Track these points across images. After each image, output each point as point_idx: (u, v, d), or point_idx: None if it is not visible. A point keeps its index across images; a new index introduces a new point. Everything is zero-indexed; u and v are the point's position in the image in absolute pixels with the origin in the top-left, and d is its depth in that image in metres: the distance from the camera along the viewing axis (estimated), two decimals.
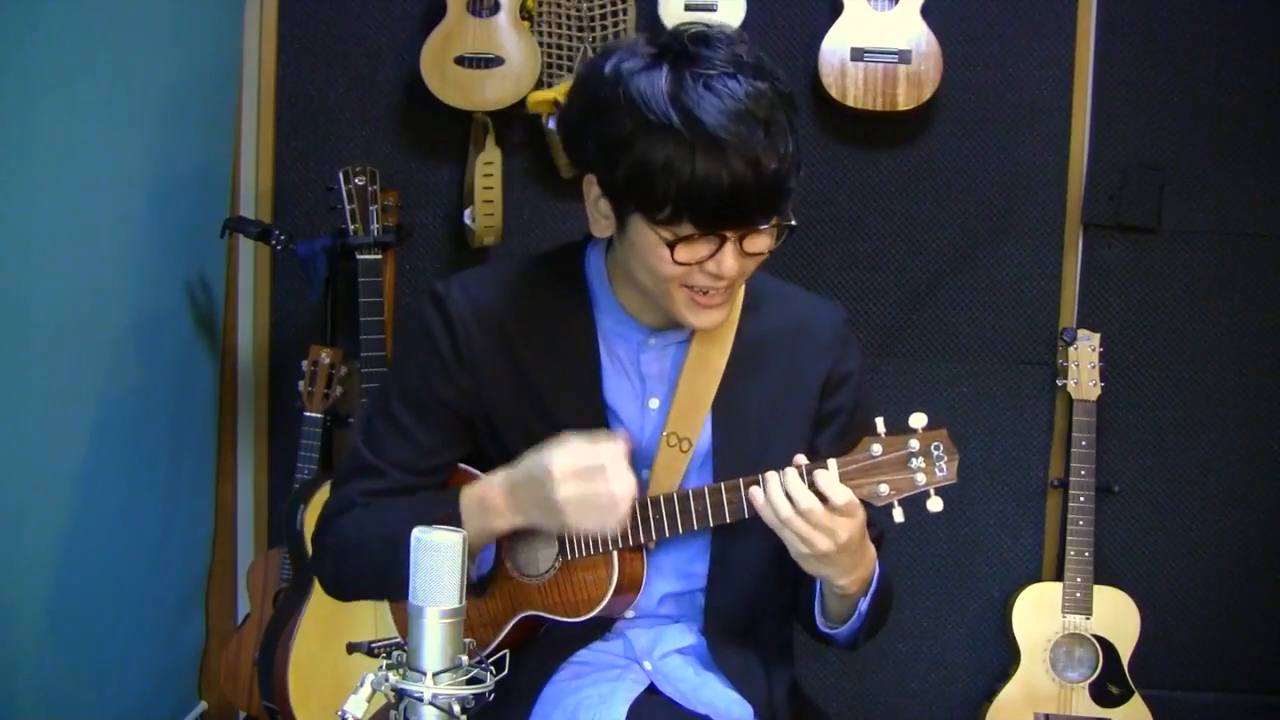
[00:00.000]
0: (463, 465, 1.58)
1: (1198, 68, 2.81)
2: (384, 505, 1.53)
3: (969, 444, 2.88)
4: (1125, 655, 2.65)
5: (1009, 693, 2.69)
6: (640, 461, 1.53)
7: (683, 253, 1.37)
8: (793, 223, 1.40)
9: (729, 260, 1.37)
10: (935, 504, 1.42)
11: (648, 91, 1.32)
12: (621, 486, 1.39)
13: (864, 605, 1.50)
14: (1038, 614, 2.70)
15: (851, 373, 1.60)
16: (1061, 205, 2.85)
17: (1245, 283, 2.85)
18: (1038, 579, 2.85)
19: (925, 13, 2.67)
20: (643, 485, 1.51)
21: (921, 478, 1.42)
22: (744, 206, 1.34)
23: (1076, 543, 2.67)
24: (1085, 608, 2.66)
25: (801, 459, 1.42)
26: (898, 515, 1.42)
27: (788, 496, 1.39)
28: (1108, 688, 2.66)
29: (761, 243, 1.40)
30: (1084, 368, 2.69)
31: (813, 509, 1.37)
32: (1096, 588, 2.67)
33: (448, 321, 1.51)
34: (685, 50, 1.34)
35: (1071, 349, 2.71)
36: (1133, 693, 2.65)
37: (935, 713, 2.92)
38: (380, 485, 1.53)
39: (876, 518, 1.48)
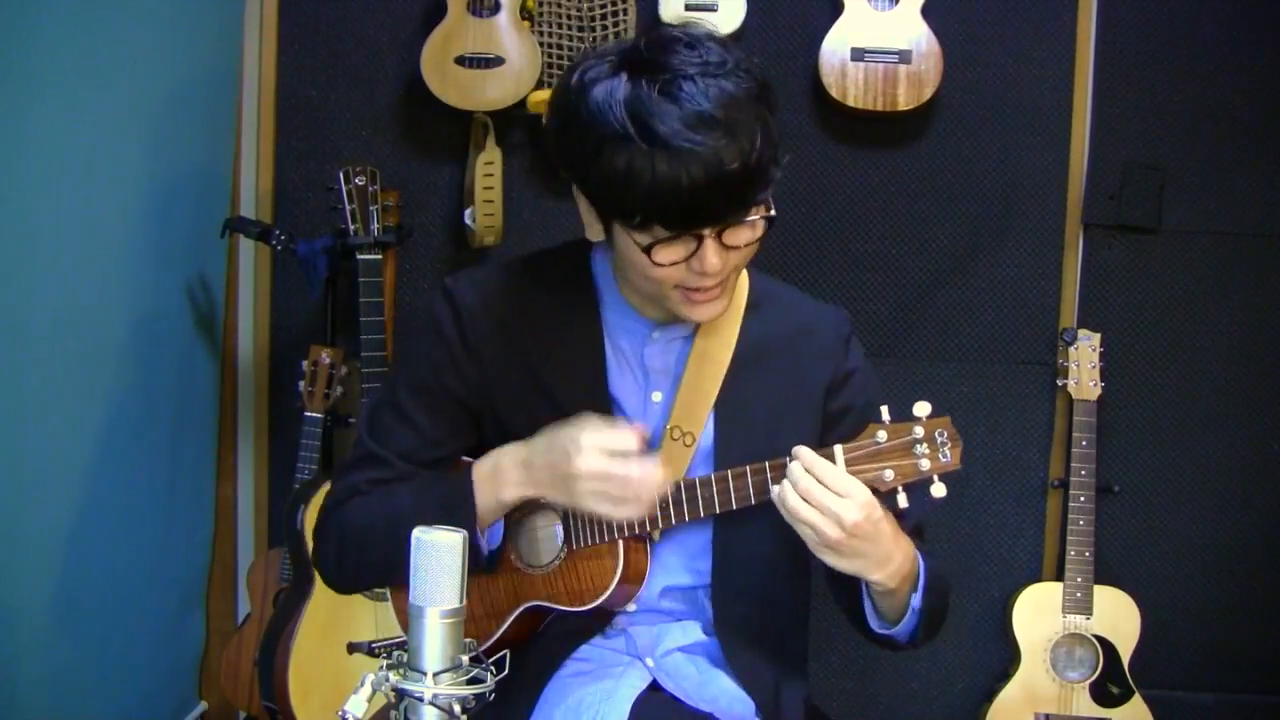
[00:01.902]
0: (465, 459, 1.59)
1: (1198, 68, 2.81)
2: (390, 488, 1.54)
3: (969, 444, 2.86)
4: (1125, 655, 2.65)
5: (1009, 693, 2.69)
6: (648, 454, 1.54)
7: (661, 254, 1.38)
8: (772, 213, 1.40)
9: (711, 258, 1.38)
10: (939, 489, 1.44)
11: (606, 102, 1.33)
12: (648, 478, 1.41)
13: (916, 601, 1.51)
14: (1038, 614, 2.70)
15: (854, 371, 1.61)
16: (1061, 205, 2.86)
17: (1245, 283, 2.85)
18: (1038, 579, 2.85)
19: (926, 13, 2.68)
20: None
21: (926, 463, 1.43)
22: (709, 207, 1.34)
23: (1077, 543, 2.67)
24: (1085, 608, 2.66)
25: (804, 448, 1.43)
26: (902, 500, 1.44)
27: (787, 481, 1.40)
28: (1108, 688, 2.66)
29: (742, 236, 1.40)
30: (1084, 368, 2.70)
31: (810, 489, 1.38)
32: (1097, 588, 2.67)
33: (456, 314, 1.54)
34: (643, 58, 1.35)
35: (1072, 349, 2.71)
36: (1133, 693, 2.65)
37: (935, 713, 2.92)
38: (385, 474, 1.54)
39: (911, 509, 1.48)
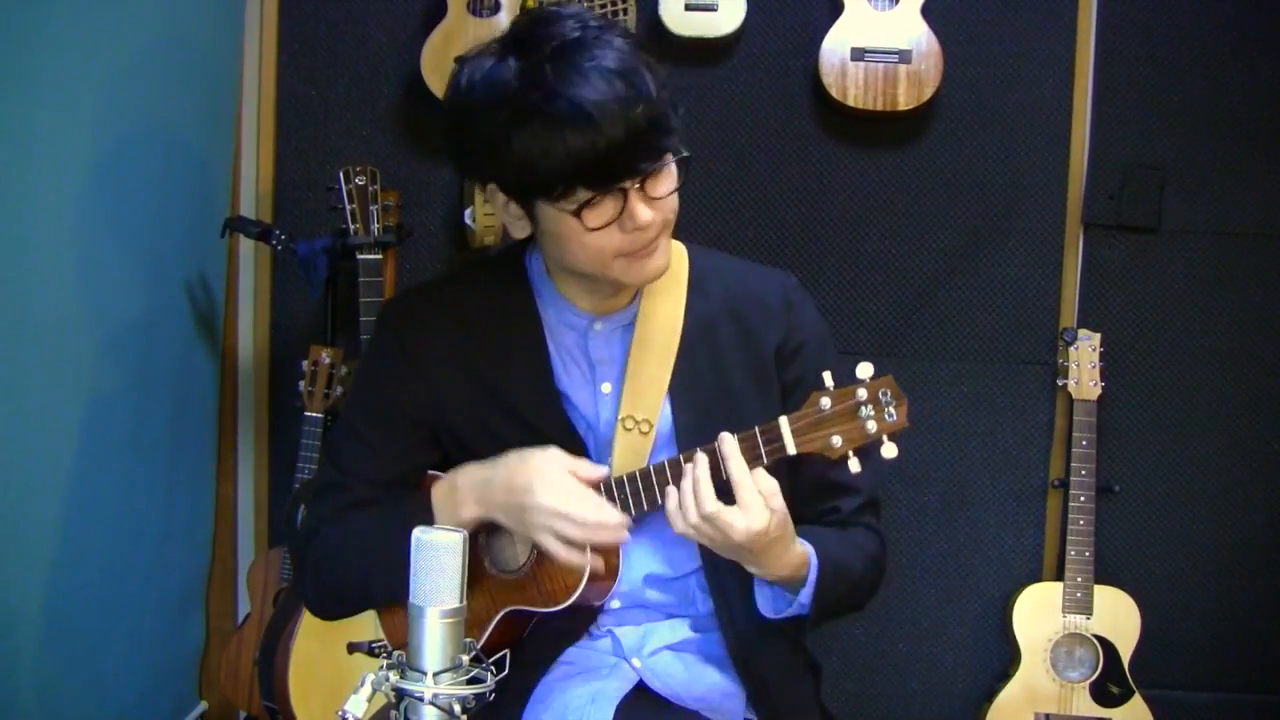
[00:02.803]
0: (432, 473, 1.60)
1: (1198, 68, 2.81)
2: (358, 516, 1.55)
3: (969, 444, 2.88)
4: (1126, 655, 2.65)
5: (1009, 693, 2.69)
6: (604, 448, 1.55)
7: (592, 218, 1.38)
8: (685, 154, 1.42)
9: (641, 211, 1.39)
10: (889, 449, 1.43)
11: (502, 84, 1.34)
12: (604, 525, 1.41)
13: (805, 595, 1.50)
14: (1038, 614, 2.70)
15: (804, 343, 1.60)
16: (1061, 205, 2.85)
17: (1245, 283, 2.84)
18: (1038, 579, 2.85)
19: (926, 13, 2.67)
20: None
21: (872, 425, 1.43)
22: (626, 158, 1.35)
23: (1077, 542, 2.67)
24: (1086, 608, 2.66)
25: (726, 435, 1.43)
26: (853, 466, 1.44)
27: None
28: (1108, 687, 2.66)
29: (664, 184, 1.41)
30: (1084, 368, 2.70)
31: (697, 522, 1.40)
32: (1097, 587, 2.67)
33: (397, 332, 1.56)
34: (527, 34, 1.37)
35: (1072, 349, 2.71)
36: (1133, 692, 2.65)
37: (935, 713, 2.92)
38: (347, 499, 1.56)
39: (860, 484, 1.50)
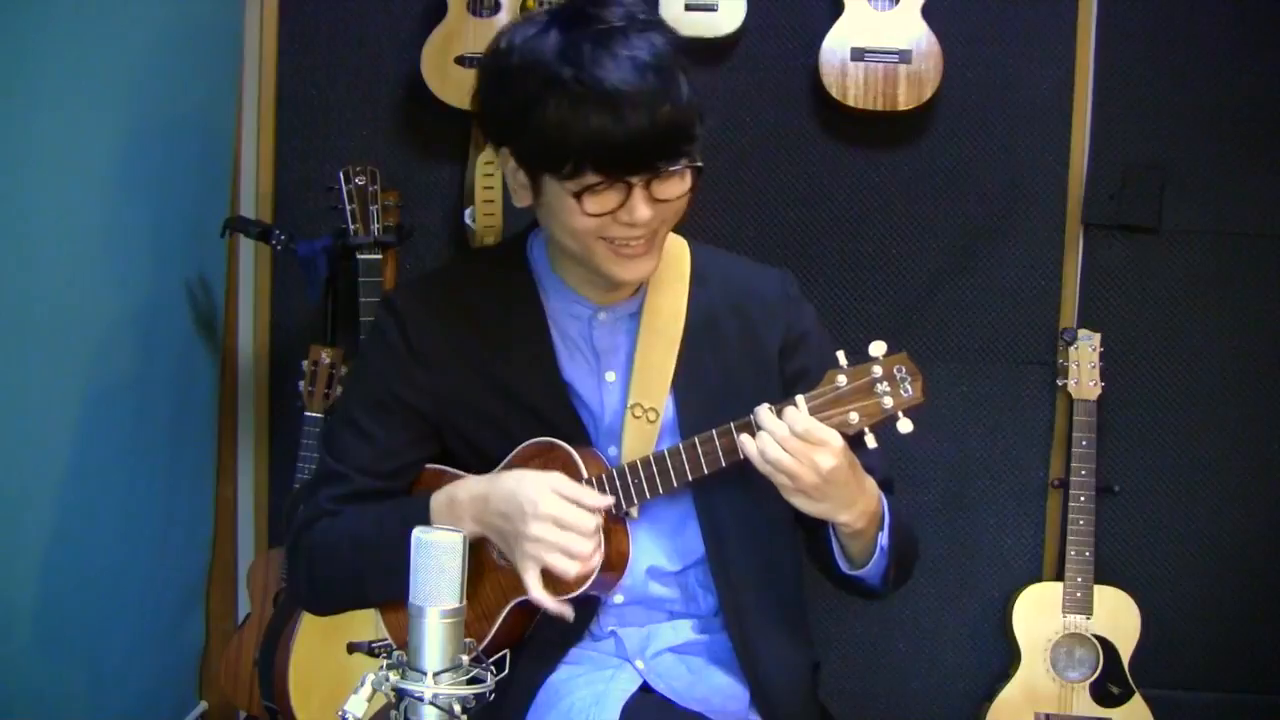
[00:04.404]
0: (431, 465, 1.59)
1: (1198, 68, 2.81)
2: (354, 511, 1.54)
3: (969, 444, 2.88)
4: (1126, 655, 2.66)
5: (1009, 693, 2.69)
6: (609, 437, 1.56)
7: (591, 203, 1.39)
8: (699, 164, 1.42)
9: (641, 208, 1.39)
10: (905, 425, 1.45)
11: (540, 53, 1.35)
12: (591, 557, 1.41)
13: (884, 539, 1.52)
14: (1038, 614, 2.70)
15: (807, 333, 1.62)
16: (1061, 205, 2.85)
17: (1245, 283, 2.84)
18: (1038, 579, 2.85)
19: (926, 13, 2.67)
20: (613, 461, 1.54)
21: (889, 401, 1.45)
22: (643, 152, 1.36)
23: (1077, 542, 2.67)
24: (1086, 608, 2.66)
25: (763, 406, 1.44)
26: (870, 441, 1.45)
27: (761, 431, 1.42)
28: (1108, 687, 2.66)
29: (671, 188, 1.41)
30: (1084, 367, 2.70)
31: (786, 438, 1.40)
32: (1097, 587, 2.67)
33: (400, 322, 1.55)
34: (576, 11, 1.38)
35: (1072, 349, 2.71)
36: (1133, 692, 2.65)
37: (935, 713, 2.92)
38: (344, 490, 1.55)
39: (874, 463, 1.51)
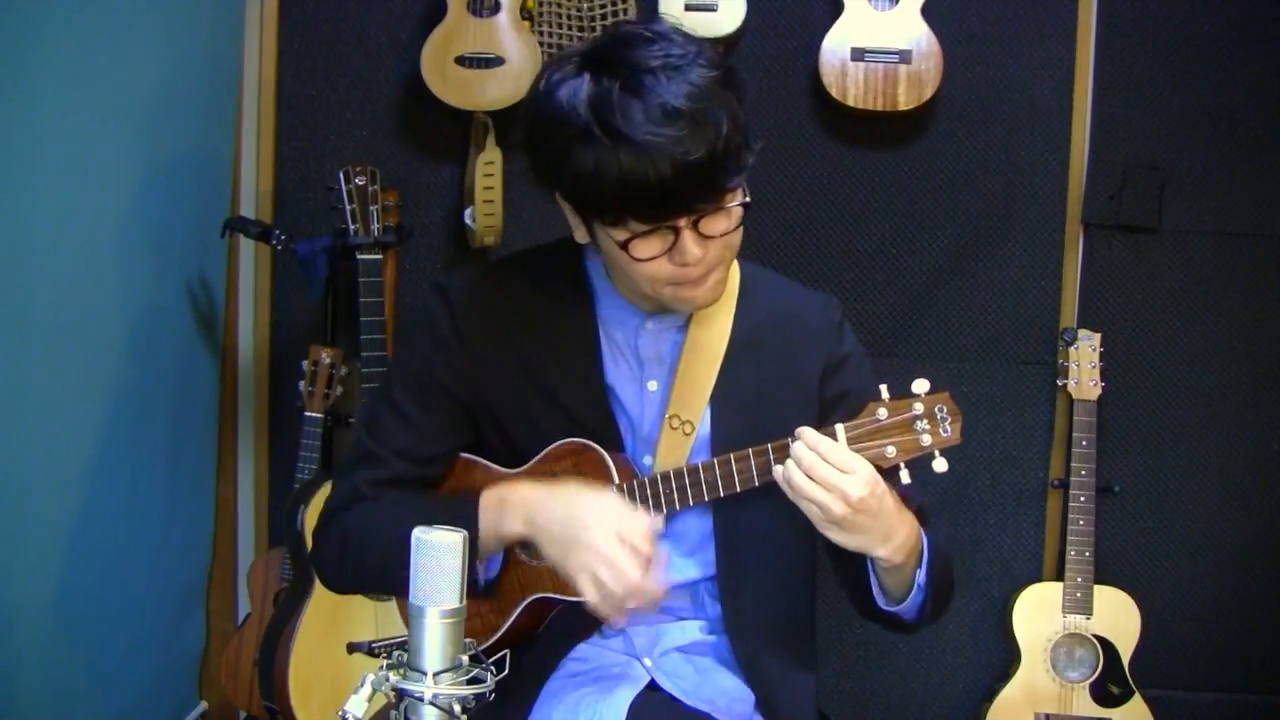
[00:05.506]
0: (465, 455, 1.59)
1: (1198, 68, 2.81)
2: (396, 499, 1.53)
3: (969, 444, 2.86)
4: (1126, 655, 2.66)
5: (1009, 693, 2.69)
6: (644, 445, 1.56)
7: (639, 249, 1.38)
8: (747, 199, 1.41)
9: (691, 249, 1.39)
10: (940, 464, 1.46)
11: (570, 102, 1.34)
12: (645, 585, 1.38)
13: (921, 576, 1.51)
14: (1038, 614, 2.70)
15: (849, 355, 1.62)
16: (1061, 205, 2.85)
17: (1245, 283, 2.84)
18: (1038, 579, 2.85)
19: (926, 13, 2.68)
20: (645, 470, 1.55)
21: (927, 439, 1.46)
22: (678, 197, 1.34)
23: (1077, 543, 2.67)
24: (1086, 608, 2.66)
25: (806, 428, 1.43)
26: (904, 477, 1.46)
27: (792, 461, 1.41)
28: (1108, 687, 2.66)
29: (719, 224, 1.40)
30: (1084, 367, 2.70)
31: (814, 465, 1.39)
32: (1097, 588, 2.67)
33: (450, 309, 1.55)
34: (605, 56, 1.36)
35: (1072, 349, 2.71)
36: (1133, 692, 2.65)
37: (935, 713, 2.92)
38: (382, 474, 1.54)
39: (912, 493, 1.50)
